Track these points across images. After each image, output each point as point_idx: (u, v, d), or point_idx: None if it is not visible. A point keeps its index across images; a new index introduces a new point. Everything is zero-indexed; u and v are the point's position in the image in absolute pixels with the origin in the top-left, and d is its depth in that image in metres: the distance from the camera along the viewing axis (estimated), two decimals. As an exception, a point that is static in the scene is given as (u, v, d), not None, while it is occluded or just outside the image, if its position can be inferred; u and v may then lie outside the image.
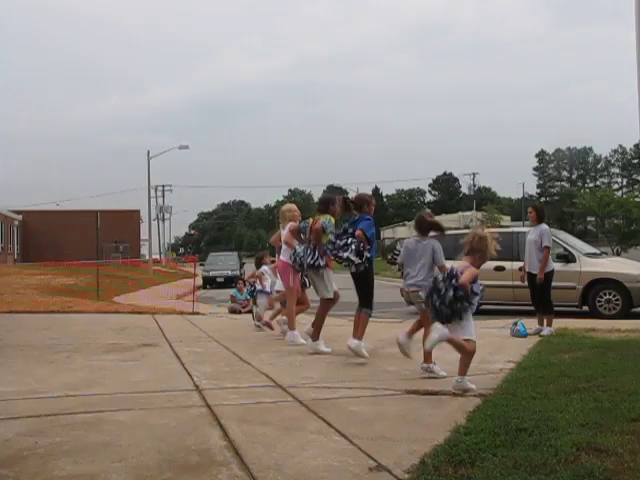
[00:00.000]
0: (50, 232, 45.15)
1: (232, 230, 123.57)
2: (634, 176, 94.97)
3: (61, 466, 3.28)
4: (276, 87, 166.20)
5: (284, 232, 7.94)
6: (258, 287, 9.83)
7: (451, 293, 4.77)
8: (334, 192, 8.19)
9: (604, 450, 3.27)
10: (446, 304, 4.79)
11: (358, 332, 6.43)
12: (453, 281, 4.81)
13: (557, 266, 9.27)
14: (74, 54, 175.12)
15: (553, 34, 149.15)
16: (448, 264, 5.49)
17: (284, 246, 7.87)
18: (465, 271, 4.89)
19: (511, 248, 11.54)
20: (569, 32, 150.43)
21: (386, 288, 17.06)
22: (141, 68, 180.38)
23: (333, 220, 7.13)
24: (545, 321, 8.36)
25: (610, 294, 11.11)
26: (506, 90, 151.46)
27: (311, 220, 7.45)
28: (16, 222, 45.26)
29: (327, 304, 7.21)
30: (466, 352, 4.88)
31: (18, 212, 46.12)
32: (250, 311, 12.98)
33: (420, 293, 5.50)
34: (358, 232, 6.31)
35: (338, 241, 6.38)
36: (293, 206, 8.34)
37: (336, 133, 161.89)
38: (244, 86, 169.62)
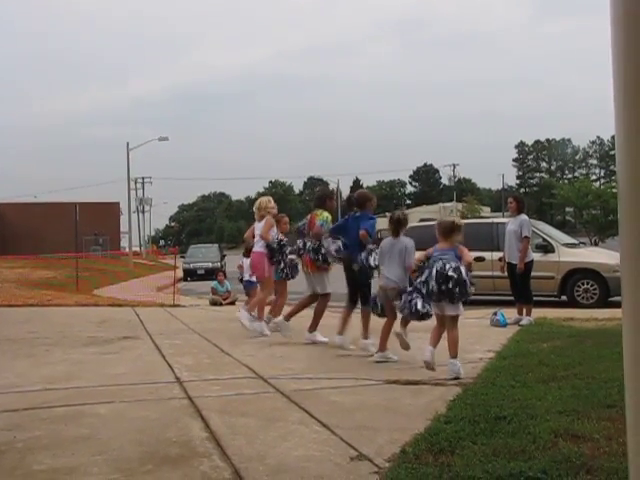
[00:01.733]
0: (28, 225, 44.59)
1: (213, 222, 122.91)
2: (611, 167, 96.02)
3: (40, 460, 3.26)
4: (257, 78, 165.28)
5: (260, 225, 7.92)
6: (246, 277, 9.87)
7: (463, 273, 5.05)
8: (327, 188, 8.32)
9: (581, 436, 3.33)
10: (457, 284, 5.03)
11: (364, 329, 6.49)
12: (457, 263, 5.10)
13: (536, 256, 9.36)
14: (52, 44, 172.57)
15: (535, 26, 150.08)
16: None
17: (257, 238, 7.86)
18: (463, 250, 5.23)
19: (491, 239, 11.63)
20: (550, 24, 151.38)
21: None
22: (121, 59, 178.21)
23: (329, 217, 7.17)
24: (524, 311, 8.44)
25: (588, 284, 11.24)
26: (487, 82, 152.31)
27: (309, 217, 7.43)
28: (-7, 215, 44.60)
29: (325, 300, 7.27)
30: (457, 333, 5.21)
31: (-5, 204, 45.46)
32: (232, 303, 13.01)
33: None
34: (362, 232, 6.38)
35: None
36: (269, 199, 8.28)
37: (317, 124, 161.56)
38: (225, 77, 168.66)
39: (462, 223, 5.49)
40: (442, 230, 5.35)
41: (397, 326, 5.83)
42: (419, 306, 5.35)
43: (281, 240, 7.80)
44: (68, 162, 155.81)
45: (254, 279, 9.53)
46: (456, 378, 4.94)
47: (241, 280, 10.43)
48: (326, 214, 7.16)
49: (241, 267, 10.32)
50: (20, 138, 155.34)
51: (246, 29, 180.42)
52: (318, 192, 8.18)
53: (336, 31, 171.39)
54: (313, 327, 7.15)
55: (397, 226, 5.91)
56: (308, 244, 7.12)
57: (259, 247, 7.85)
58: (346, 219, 6.89)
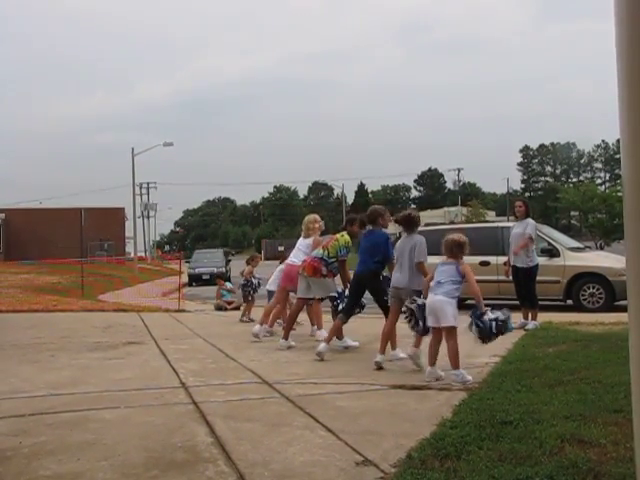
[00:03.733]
0: (34, 230, 44.71)
1: (217, 227, 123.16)
2: (616, 171, 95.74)
3: (46, 465, 3.26)
4: (261, 83, 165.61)
5: (306, 242, 7.95)
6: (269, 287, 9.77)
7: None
8: (354, 215, 8.16)
9: (588, 441, 3.31)
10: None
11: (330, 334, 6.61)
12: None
13: (541, 260, 9.33)
14: (58, 49, 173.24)
15: (538, 30, 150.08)
16: (437, 259, 5.57)
17: (305, 250, 7.84)
18: (469, 277, 5.25)
19: (496, 243, 11.60)
20: (554, 28, 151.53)
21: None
22: (126, 65, 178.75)
23: (350, 242, 7.14)
24: (530, 315, 8.41)
25: (594, 288, 11.19)
26: (491, 85, 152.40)
27: (332, 236, 7.46)
28: (-2, 220, 44.78)
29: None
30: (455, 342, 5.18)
31: (0, 210, 45.63)
32: (236, 308, 13.01)
33: (415, 298, 5.58)
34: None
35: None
36: (315, 217, 8.24)
37: (322, 129, 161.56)
38: (230, 82, 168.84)
39: (464, 240, 5.41)
40: (445, 247, 5.41)
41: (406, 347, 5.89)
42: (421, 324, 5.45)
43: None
44: (73, 168, 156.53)
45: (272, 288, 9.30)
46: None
47: (245, 286, 10.36)
48: (347, 238, 7.14)
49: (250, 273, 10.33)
50: (25, 144, 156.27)
51: (250, 34, 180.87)
52: (349, 216, 8.10)
53: (340, 36, 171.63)
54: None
55: (406, 224, 5.91)
56: (320, 251, 7.21)
57: (299, 260, 7.79)
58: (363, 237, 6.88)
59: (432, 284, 5.31)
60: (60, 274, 22.81)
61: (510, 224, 11.11)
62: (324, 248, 7.22)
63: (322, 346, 6.37)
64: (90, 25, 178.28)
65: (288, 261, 8.14)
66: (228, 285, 14.14)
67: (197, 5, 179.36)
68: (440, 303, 5.13)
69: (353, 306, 6.69)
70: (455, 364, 5.07)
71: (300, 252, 7.94)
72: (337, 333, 6.74)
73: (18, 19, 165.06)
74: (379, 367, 5.72)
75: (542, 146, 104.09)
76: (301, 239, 8.14)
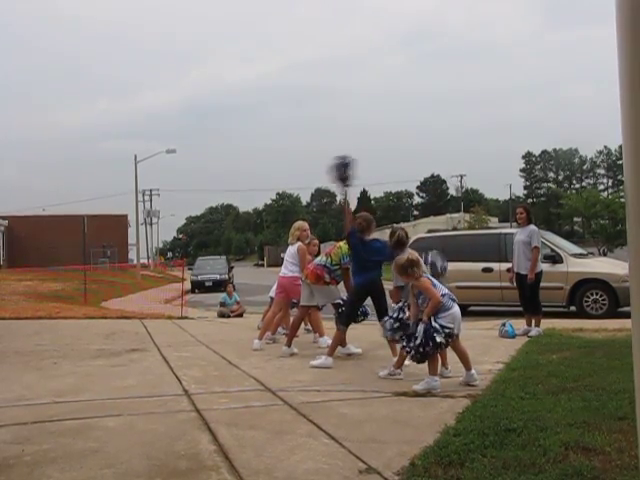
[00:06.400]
0: (36, 237, 44.89)
1: (220, 234, 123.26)
2: (619, 177, 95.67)
3: (48, 474, 3.25)
4: (265, 90, 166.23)
5: (291, 251, 7.93)
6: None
7: None
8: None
9: (592, 449, 3.29)
10: None
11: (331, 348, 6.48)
12: None
13: (544, 267, 9.30)
14: (60, 57, 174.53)
15: (540, 36, 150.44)
16: None
17: (292, 260, 7.87)
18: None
19: (498, 249, 11.58)
20: (555, 34, 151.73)
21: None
22: (129, 72, 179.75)
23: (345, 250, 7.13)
24: (533, 321, 8.39)
25: (597, 294, 11.17)
26: (494, 92, 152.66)
27: (334, 244, 7.52)
28: (1, 227, 44.89)
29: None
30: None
31: (3, 217, 45.75)
32: (239, 315, 13.01)
33: None
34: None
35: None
36: (301, 224, 8.20)
37: (324, 135, 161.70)
38: (232, 89, 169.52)
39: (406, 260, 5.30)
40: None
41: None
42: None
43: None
44: (76, 175, 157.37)
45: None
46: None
47: None
48: (347, 248, 7.08)
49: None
50: (29, 151, 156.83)
51: (251, 42, 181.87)
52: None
53: (341, 43, 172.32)
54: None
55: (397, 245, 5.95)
56: (323, 259, 7.22)
57: (288, 271, 7.84)
58: None
59: (448, 296, 5.27)
60: (63, 281, 22.83)
61: (513, 230, 11.09)
62: (327, 255, 7.22)
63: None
64: (92, 33, 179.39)
65: (280, 273, 8.08)
66: (235, 296, 14.05)
67: (198, 13, 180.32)
68: None
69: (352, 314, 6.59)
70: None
71: (288, 263, 7.92)
72: (341, 343, 6.68)
73: (19, 26, 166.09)
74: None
75: (544, 152, 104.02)
76: (289, 248, 8.06)
